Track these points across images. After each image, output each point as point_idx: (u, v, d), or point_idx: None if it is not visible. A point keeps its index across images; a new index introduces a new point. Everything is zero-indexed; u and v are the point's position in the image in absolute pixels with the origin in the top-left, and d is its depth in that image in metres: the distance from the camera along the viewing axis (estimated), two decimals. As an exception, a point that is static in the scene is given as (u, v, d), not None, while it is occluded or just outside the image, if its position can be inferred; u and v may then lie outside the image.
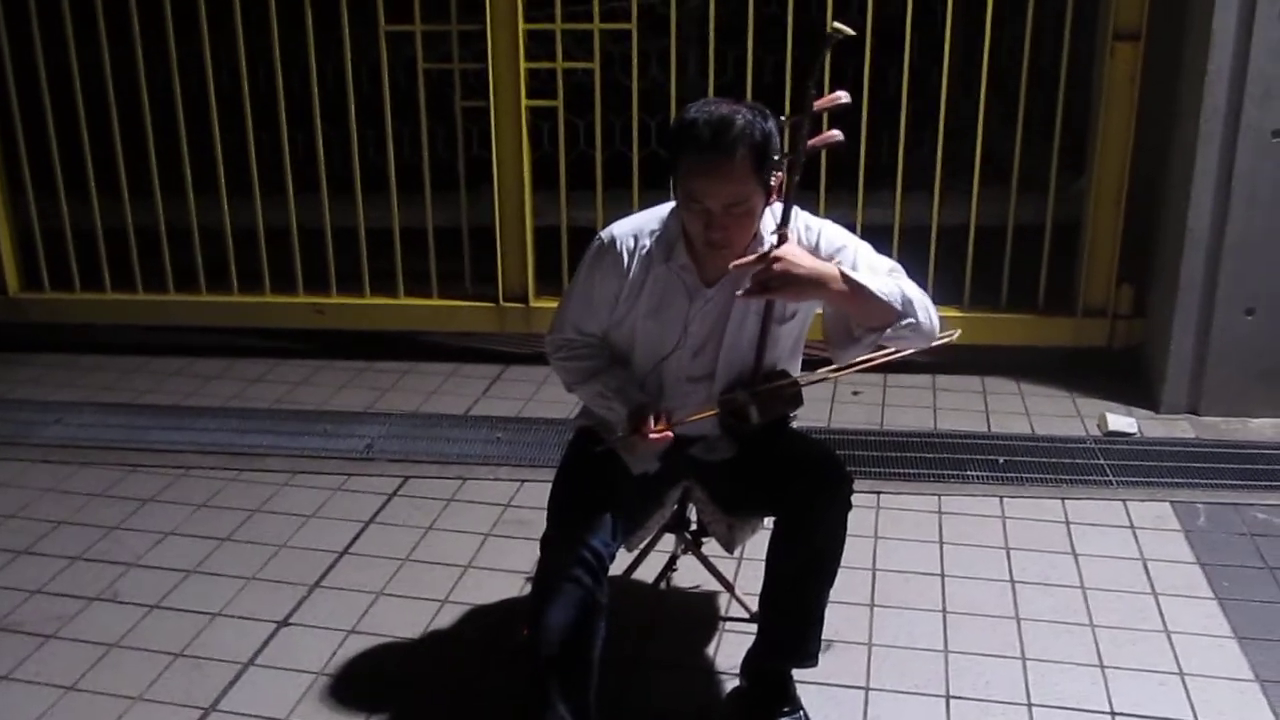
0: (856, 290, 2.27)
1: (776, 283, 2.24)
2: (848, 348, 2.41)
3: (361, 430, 4.17)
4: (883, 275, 2.36)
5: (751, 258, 2.29)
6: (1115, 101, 4.19)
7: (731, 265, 2.32)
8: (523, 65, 4.49)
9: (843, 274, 2.27)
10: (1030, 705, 2.62)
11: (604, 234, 2.53)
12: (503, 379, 4.67)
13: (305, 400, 4.52)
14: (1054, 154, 4.36)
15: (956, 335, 2.47)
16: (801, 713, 2.52)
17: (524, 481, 3.74)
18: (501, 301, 4.75)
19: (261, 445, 4.07)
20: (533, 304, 4.70)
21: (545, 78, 4.57)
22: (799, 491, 2.41)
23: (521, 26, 4.45)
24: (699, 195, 2.28)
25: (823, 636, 2.55)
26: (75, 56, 4.79)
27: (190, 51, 4.70)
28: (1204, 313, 4.02)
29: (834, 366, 2.49)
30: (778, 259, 2.24)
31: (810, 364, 2.64)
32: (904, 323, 2.31)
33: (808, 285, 2.26)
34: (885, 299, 2.28)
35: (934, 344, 2.40)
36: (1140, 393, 4.28)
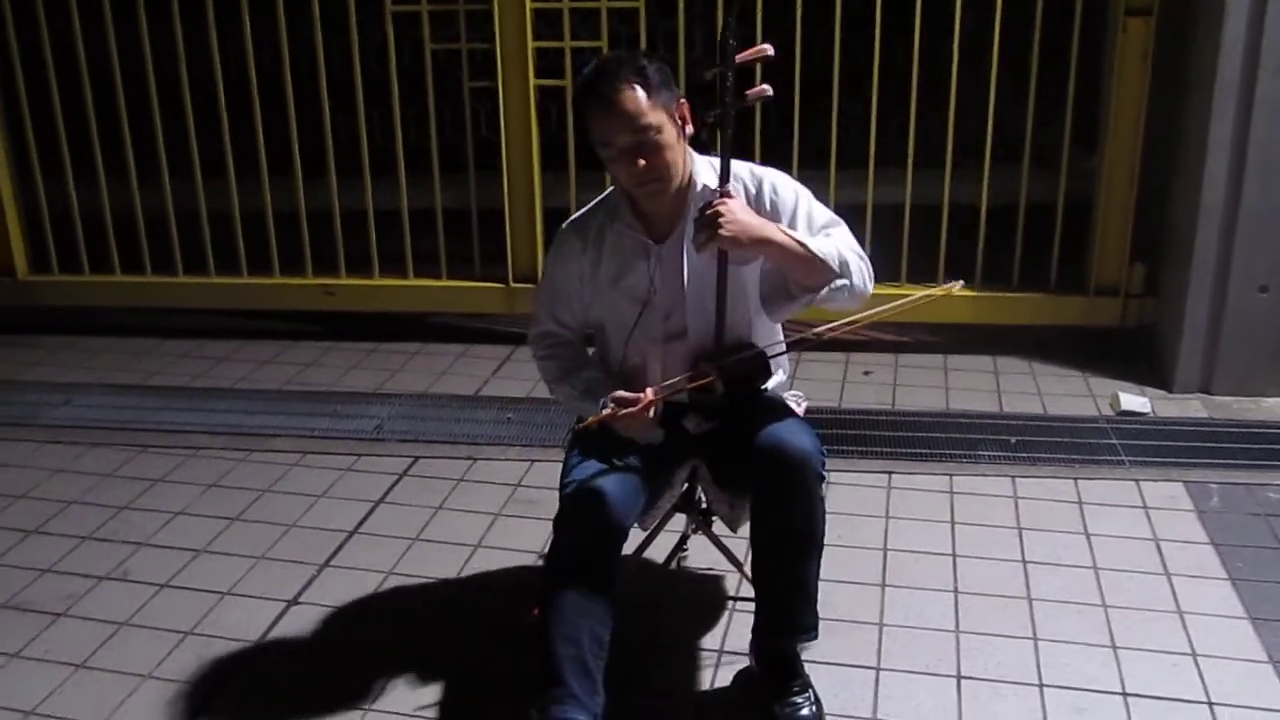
0: (796, 247, 2.34)
1: (712, 228, 2.27)
2: (784, 305, 2.48)
3: (371, 411, 4.17)
4: (819, 231, 2.45)
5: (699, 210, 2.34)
6: (1127, 77, 4.15)
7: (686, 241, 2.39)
8: (530, 45, 4.47)
9: (782, 230, 2.35)
10: (1042, 686, 2.60)
11: (562, 226, 2.64)
12: (512, 359, 4.66)
13: (315, 381, 4.52)
14: (1065, 131, 4.33)
15: (959, 286, 2.47)
16: (811, 692, 2.51)
17: (534, 461, 3.73)
18: (511, 282, 4.74)
19: (271, 426, 4.07)
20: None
21: (553, 57, 4.55)
22: (766, 469, 2.40)
23: (529, 6, 4.42)
24: (606, 136, 2.35)
25: (818, 609, 2.52)
26: (82, 40, 4.78)
27: (197, 34, 4.69)
28: (1217, 290, 3.99)
29: (795, 338, 2.60)
30: (713, 210, 2.28)
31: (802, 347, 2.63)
32: (838, 284, 2.39)
33: (750, 235, 2.30)
34: (824, 259, 2.35)
35: (934, 296, 2.48)
36: (1153, 372, 4.25)
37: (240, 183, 4.87)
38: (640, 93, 2.31)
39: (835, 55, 4.28)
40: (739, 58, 2.33)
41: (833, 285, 2.39)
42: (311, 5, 4.55)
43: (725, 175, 2.38)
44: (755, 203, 2.46)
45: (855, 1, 4.29)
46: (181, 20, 4.67)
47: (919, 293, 2.51)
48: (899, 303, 2.47)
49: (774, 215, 2.45)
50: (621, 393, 2.37)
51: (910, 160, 4.37)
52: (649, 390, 2.37)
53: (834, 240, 2.42)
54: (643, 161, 2.35)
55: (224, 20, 4.66)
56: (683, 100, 2.40)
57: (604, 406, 2.37)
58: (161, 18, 4.69)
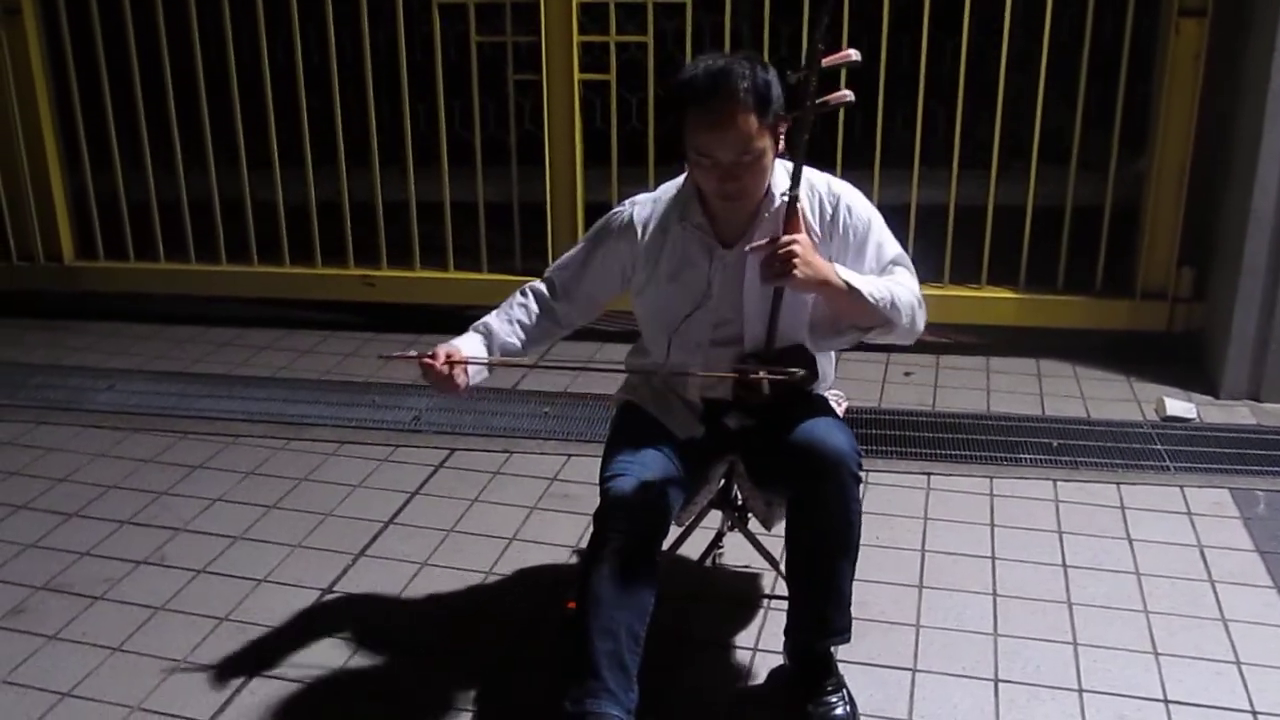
0: (851, 293, 2.34)
1: (784, 270, 2.28)
2: (829, 338, 2.51)
3: (409, 402, 4.17)
4: (885, 271, 2.46)
5: (763, 241, 2.33)
6: (1179, 79, 4.10)
7: (747, 249, 2.38)
8: (575, 39, 4.46)
9: (843, 278, 2.34)
10: (1081, 691, 2.56)
11: (625, 203, 2.60)
12: (550, 355, 4.64)
13: (354, 371, 4.54)
14: (1115, 133, 4.27)
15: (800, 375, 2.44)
16: (845, 691, 2.48)
17: (570, 456, 3.72)
18: (551, 277, 4.73)
19: (310, 415, 4.09)
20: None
21: (598, 52, 4.54)
22: (801, 469, 2.38)
23: (575, 0, 4.41)
24: (707, 149, 2.30)
25: (851, 611, 2.49)
26: (132, 30, 4.82)
27: (245, 23, 4.72)
28: (1267, 296, 3.93)
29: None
30: (788, 250, 2.27)
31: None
32: (885, 327, 2.43)
33: (809, 282, 2.31)
34: (876, 304, 2.36)
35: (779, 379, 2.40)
36: (1200, 377, 4.19)
37: (284, 171, 4.89)
38: (755, 116, 2.26)
39: (882, 56, 4.25)
40: (825, 61, 2.30)
41: (879, 329, 2.44)
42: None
43: (797, 179, 2.35)
44: (830, 222, 2.44)
45: (904, 2, 4.26)
46: (230, 10, 4.69)
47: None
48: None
49: (845, 237, 2.45)
50: (442, 349, 2.44)
51: (955, 161, 4.33)
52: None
53: (894, 283, 2.42)
54: (735, 182, 2.33)
55: (272, 10, 4.69)
56: (785, 123, 2.35)
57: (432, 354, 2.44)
58: (211, 7, 4.72)
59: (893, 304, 2.38)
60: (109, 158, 5.04)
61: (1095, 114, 4.33)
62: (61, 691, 2.62)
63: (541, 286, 2.69)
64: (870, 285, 2.37)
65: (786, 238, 2.30)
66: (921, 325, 2.47)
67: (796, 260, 2.26)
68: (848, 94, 2.36)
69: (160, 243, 5.09)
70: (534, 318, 2.67)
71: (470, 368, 2.48)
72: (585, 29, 4.50)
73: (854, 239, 2.46)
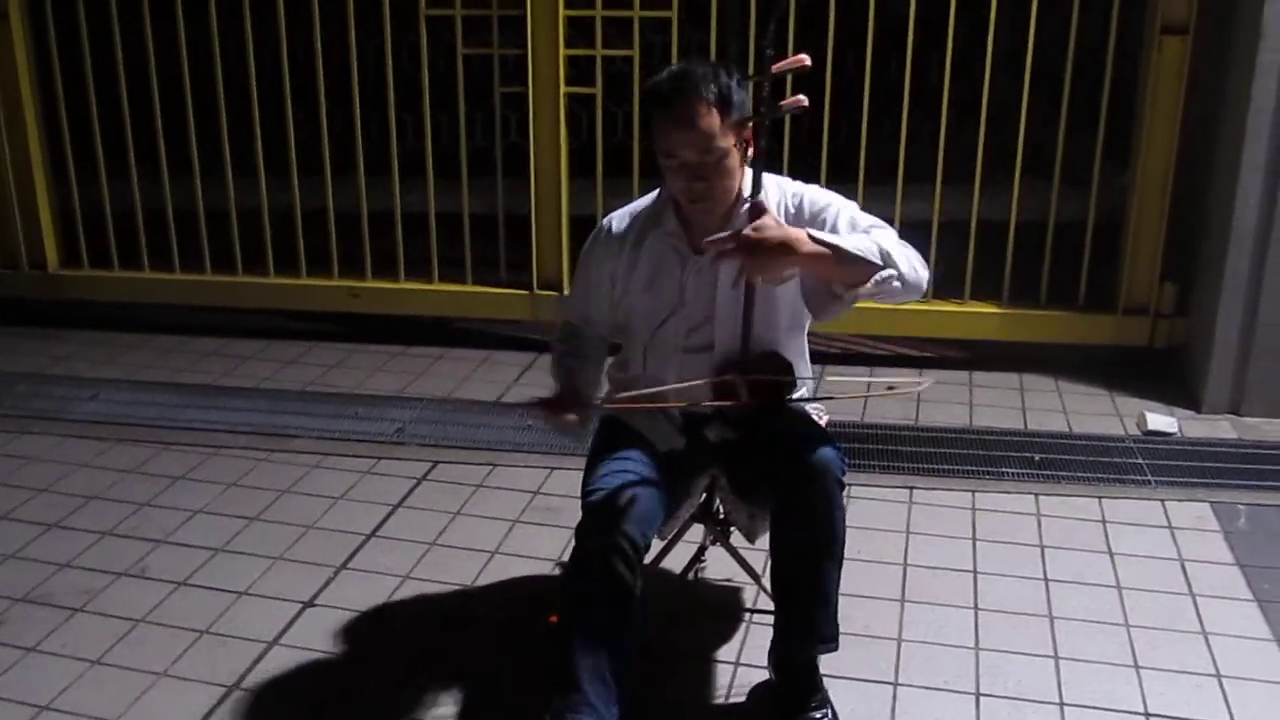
0: (828, 250, 2.25)
1: (746, 253, 2.22)
2: (829, 306, 2.42)
3: (393, 414, 4.17)
4: (861, 233, 2.36)
5: (722, 235, 2.28)
6: (1161, 96, 4.12)
7: (705, 241, 2.32)
8: (562, 51, 4.47)
9: (810, 236, 2.25)
10: (1062, 705, 2.57)
11: (603, 220, 2.62)
12: (535, 367, 4.65)
13: (338, 383, 4.53)
14: (1097, 148, 4.30)
15: (927, 385, 2.41)
16: (829, 708, 2.48)
17: (553, 469, 3.72)
18: (535, 289, 4.74)
19: (293, 426, 4.08)
20: (567, 293, 4.68)
21: (585, 65, 4.55)
22: (785, 478, 2.38)
23: (562, 13, 4.43)
24: (673, 149, 2.33)
25: (838, 619, 2.49)
26: (119, 38, 4.82)
27: (231, 33, 4.72)
28: (1248, 312, 3.95)
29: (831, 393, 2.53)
30: (757, 224, 2.23)
31: (825, 358, 2.62)
32: (884, 275, 2.28)
33: (777, 253, 2.22)
34: (860, 254, 2.26)
35: (900, 391, 2.39)
36: (1181, 392, 4.21)
37: (270, 181, 4.89)
38: (717, 114, 2.29)
39: (867, 69, 4.27)
40: (775, 67, 2.32)
41: (878, 278, 2.28)
42: (346, 6, 4.56)
43: (757, 185, 2.36)
44: (796, 219, 2.42)
45: (889, 16, 4.28)
46: (217, 19, 4.69)
47: (891, 381, 2.50)
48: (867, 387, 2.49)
49: (813, 223, 2.41)
50: (624, 395, 2.43)
51: (939, 175, 4.35)
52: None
53: (875, 236, 2.34)
54: (703, 182, 2.35)
55: (259, 20, 4.69)
56: (751, 123, 2.37)
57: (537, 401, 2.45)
58: (198, 17, 4.72)
59: (880, 253, 2.28)
60: (94, 166, 5.03)
61: (1079, 130, 4.35)
62: (40, 704, 2.60)
63: (575, 325, 2.72)
64: (849, 240, 2.29)
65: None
66: (925, 274, 2.34)
67: (748, 259, 2.22)
68: (801, 99, 2.35)
69: (145, 252, 5.07)
70: (583, 350, 2.71)
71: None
72: (572, 42, 4.51)
73: (826, 221, 2.40)
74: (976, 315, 4.46)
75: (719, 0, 4.33)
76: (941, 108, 4.29)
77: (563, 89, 4.51)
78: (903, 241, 2.36)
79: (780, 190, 2.48)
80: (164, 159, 4.94)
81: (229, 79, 4.79)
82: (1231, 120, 3.93)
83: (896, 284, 2.30)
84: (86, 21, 4.85)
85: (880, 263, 2.27)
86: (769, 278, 2.32)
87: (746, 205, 2.38)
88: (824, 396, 2.44)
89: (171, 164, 4.95)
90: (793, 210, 2.45)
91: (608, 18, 4.46)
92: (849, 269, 2.28)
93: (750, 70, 2.34)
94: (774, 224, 2.25)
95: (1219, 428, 3.99)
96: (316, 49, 4.63)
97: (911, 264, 2.32)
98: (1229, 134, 3.95)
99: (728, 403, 2.43)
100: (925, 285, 2.37)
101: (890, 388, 2.51)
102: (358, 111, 4.71)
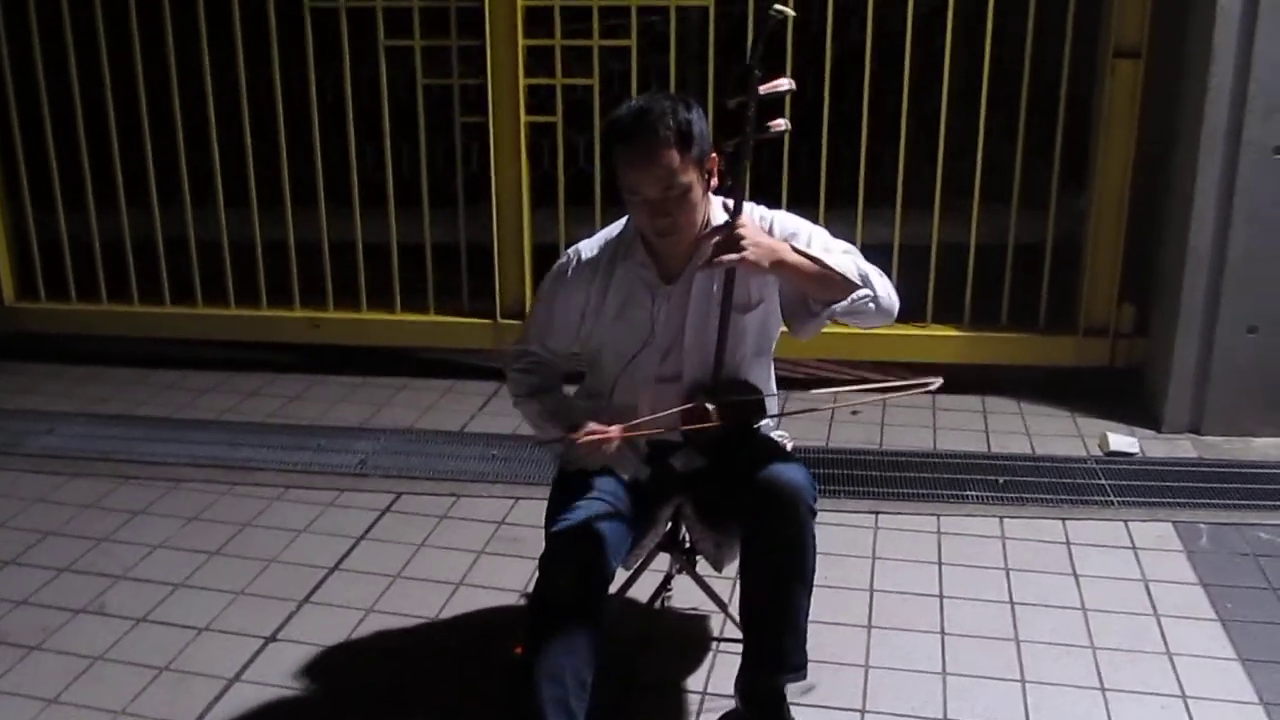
0: (810, 264, 2.33)
1: (731, 245, 2.27)
2: (806, 323, 2.48)
3: (356, 445, 4.14)
4: (837, 254, 2.41)
5: (711, 228, 2.35)
6: (1116, 119, 4.17)
7: (696, 235, 2.37)
8: (522, 81, 4.47)
9: (795, 249, 2.33)
10: (1029, 728, 2.57)
11: (569, 250, 2.60)
12: (499, 395, 4.63)
13: (300, 415, 4.49)
14: (1054, 172, 4.34)
15: (938, 384, 2.43)
16: (797, 736, 2.48)
17: (518, 499, 3.70)
18: (499, 318, 4.72)
19: (255, 459, 4.03)
20: (526, 321, 4.66)
21: (545, 94, 4.55)
22: (756, 505, 2.38)
23: (521, 42, 4.43)
24: (635, 185, 2.33)
25: (807, 647, 2.48)
26: (75, 67, 4.78)
27: (190, 63, 4.69)
28: (1206, 331, 3.99)
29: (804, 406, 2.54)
30: (735, 232, 2.28)
31: (790, 383, 2.62)
32: (861, 294, 2.36)
33: (769, 258, 2.30)
34: (840, 271, 2.34)
35: (912, 388, 2.43)
36: (1142, 412, 4.24)
37: (229, 212, 4.86)
38: (677, 151, 2.29)
39: (825, 94, 4.29)
40: (761, 89, 2.33)
41: (855, 297, 2.36)
42: (306, 37, 4.55)
43: (739, 206, 2.37)
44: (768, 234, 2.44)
45: (850, 41, 4.31)
46: (175, 49, 4.67)
47: (898, 383, 2.50)
48: (877, 388, 2.54)
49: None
50: (594, 424, 2.37)
51: (899, 199, 4.38)
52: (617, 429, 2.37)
53: (851, 258, 2.41)
54: (666, 217, 2.35)
55: (217, 49, 4.66)
56: (714, 155, 2.38)
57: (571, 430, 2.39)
58: (156, 45, 4.69)
59: (859, 273, 2.36)
60: (51, 197, 4.98)
61: (1036, 152, 4.39)
62: (-5, 747, 2.56)
63: (534, 352, 2.66)
64: (829, 257, 2.36)
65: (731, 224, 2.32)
66: (896, 299, 2.43)
67: (745, 241, 2.28)
68: (783, 122, 2.38)
69: (103, 283, 5.02)
70: (556, 373, 2.67)
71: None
72: (532, 71, 4.51)
73: (799, 244, 2.41)
74: (939, 338, 4.48)
75: (679, 28, 4.35)
76: (900, 133, 4.32)
77: (523, 118, 4.51)
78: (875, 268, 2.43)
79: (750, 214, 2.47)
80: (121, 191, 4.90)
81: (187, 110, 4.76)
82: (1185, 142, 3.98)
83: (871, 304, 2.38)
84: (41, 49, 4.81)
85: (858, 282, 2.36)
86: (754, 255, 2.29)
87: (721, 224, 2.39)
88: (805, 410, 2.44)
89: (129, 196, 4.91)
90: (764, 230, 2.45)
91: (567, 46, 4.46)
92: (827, 285, 2.36)
93: (741, 81, 2.34)
94: (757, 234, 2.33)
95: (1180, 447, 4.02)
96: (275, 79, 4.61)
97: (887, 288, 2.42)
98: (1183, 155, 4.00)
99: (708, 424, 2.41)
100: (895, 310, 2.44)
101: (899, 388, 2.51)
102: (317, 142, 4.69)
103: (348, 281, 4.83)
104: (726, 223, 2.33)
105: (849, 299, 2.36)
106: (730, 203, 2.40)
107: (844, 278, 2.34)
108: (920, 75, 4.31)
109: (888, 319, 2.45)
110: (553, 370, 2.66)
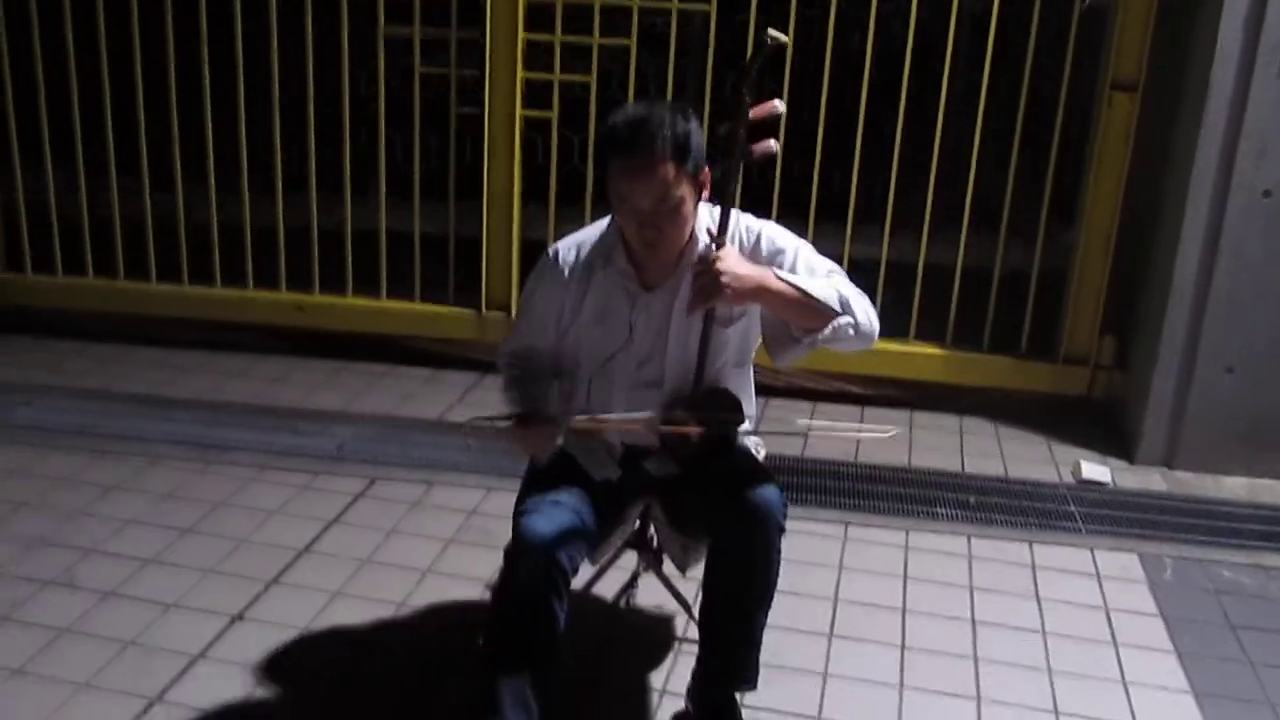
0: (792, 292, 2.32)
1: (712, 288, 2.27)
2: (788, 348, 2.47)
3: (334, 430, 4.15)
4: (821, 277, 2.41)
5: (695, 261, 2.35)
6: (1109, 151, 4.20)
7: (681, 249, 2.39)
8: (519, 74, 4.49)
9: (778, 276, 2.32)
10: (982, 747, 2.60)
11: (549, 249, 2.58)
12: (479, 386, 4.65)
13: (280, 397, 4.49)
14: (1045, 201, 4.37)
15: (895, 433, 2.45)
16: (750, 740, 2.50)
17: (491, 490, 3.71)
18: (484, 310, 4.74)
19: (232, 440, 4.04)
20: (515, 314, 4.68)
21: (542, 89, 4.56)
22: (726, 518, 2.39)
23: (521, 36, 4.45)
24: (627, 195, 2.32)
25: (760, 660, 2.51)
26: (72, 44, 4.78)
27: (188, 45, 4.69)
28: (1184, 368, 4.02)
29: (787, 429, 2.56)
30: (712, 269, 2.27)
31: (770, 391, 2.64)
32: (842, 322, 2.35)
33: (744, 289, 2.29)
34: (822, 299, 2.33)
35: (873, 432, 2.44)
36: (1116, 443, 4.27)
37: (220, 193, 4.86)
38: (674, 165, 2.27)
39: (821, 116, 4.32)
40: (751, 113, 2.33)
41: (836, 324, 2.35)
42: (305, 22, 4.56)
43: (724, 229, 2.38)
44: (752, 254, 2.44)
45: (844, 65, 4.34)
46: (174, 30, 4.67)
47: (860, 426, 2.53)
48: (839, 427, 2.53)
49: (774, 265, 2.42)
50: (580, 418, 2.38)
51: (888, 221, 4.41)
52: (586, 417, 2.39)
53: (834, 282, 2.39)
54: (654, 230, 2.34)
55: (215, 31, 4.67)
56: (707, 169, 2.37)
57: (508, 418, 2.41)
58: (154, 23, 4.69)
59: (840, 298, 2.34)
60: (42, 170, 4.97)
61: (1029, 183, 4.42)
62: (-46, 711, 2.56)
63: (525, 348, 2.65)
64: (811, 283, 2.34)
65: (710, 258, 2.30)
66: (876, 324, 2.41)
67: (724, 277, 2.26)
68: (772, 144, 2.39)
69: (90, 259, 5.02)
70: (536, 374, 2.64)
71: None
72: (530, 66, 4.53)
73: (784, 263, 2.43)
74: (920, 356, 4.51)
75: (678, 31, 4.38)
76: (893, 157, 4.35)
77: (519, 112, 4.52)
78: (858, 291, 2.42)
79: (736, 224, 2.48)
80: (113, 167, 4.89)
81: (181, 90, 4.76)
82: (1175, 178, 4.01)
83: (852, 331, 2.37)
84: (39, 23, 4.80)
85: (839, 309, 2.34)
86: (736, 289, 2.29)
87: (702, 246, 2.40)
88: (787, 431, 2.46)
89: (121, 173, 4.91)
90: (749, 245, 2.46)
91: (567, 43, 4.48)
92: (808, 313, 2.35)
93: (734, 95, 2.35)
94: (739, 259, 2.32)
95: (1151, 480, 4.05)
96: (273, 64, 4.62)
97: (867, 314, 2.39)
98: (1172, 193, 4.03)
99: (686, 430, 2.42)
100: (875, 336, 2.43)
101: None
102: (312, 127, 4.70)
103: (336, 267, 4.83)
104: (707, 247, 2.33)
105: (829, 327, 2.35)
106: (714, 229, 2.40)
107: (825, 305, 2.33)
108: (918, 100, 4.33)
109: (867, 344, 2.42)
110: (539, 365, 2.65)
